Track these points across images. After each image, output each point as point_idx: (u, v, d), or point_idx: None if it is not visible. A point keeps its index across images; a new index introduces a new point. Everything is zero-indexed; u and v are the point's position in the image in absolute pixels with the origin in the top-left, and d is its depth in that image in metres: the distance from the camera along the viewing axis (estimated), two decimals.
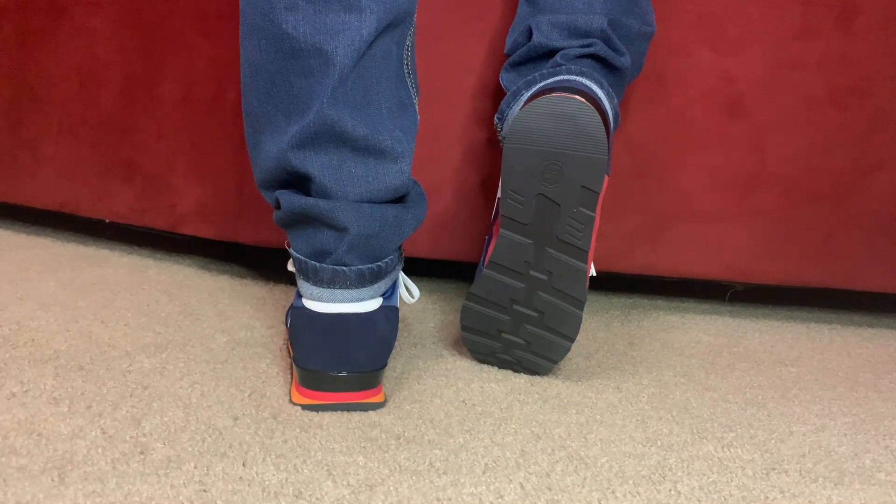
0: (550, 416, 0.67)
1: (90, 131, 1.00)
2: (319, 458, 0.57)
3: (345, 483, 0.54)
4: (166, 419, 0.60)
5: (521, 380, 0.74)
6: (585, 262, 0.69)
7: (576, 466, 0.59)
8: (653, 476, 0.58)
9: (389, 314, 0.67)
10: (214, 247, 1.07)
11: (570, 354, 0.81)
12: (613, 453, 0.61)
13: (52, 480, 0.51)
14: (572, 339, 0.72)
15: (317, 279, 0.65)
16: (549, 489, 0.55)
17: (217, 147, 0.92)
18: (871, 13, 0.87)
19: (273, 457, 0.56)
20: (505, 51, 0.82)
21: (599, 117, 0.66)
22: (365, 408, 0.66)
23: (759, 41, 0.87)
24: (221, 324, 0.82)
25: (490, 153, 0.89)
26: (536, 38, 0.77)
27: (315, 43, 0.60)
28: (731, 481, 0.58)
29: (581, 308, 0.70)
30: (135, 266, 1.00)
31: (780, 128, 0.90)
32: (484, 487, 0.55)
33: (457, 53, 0.87)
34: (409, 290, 0.74)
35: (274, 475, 0.54)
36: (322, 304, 0.65)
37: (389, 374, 0.73)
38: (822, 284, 0.95)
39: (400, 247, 0.70)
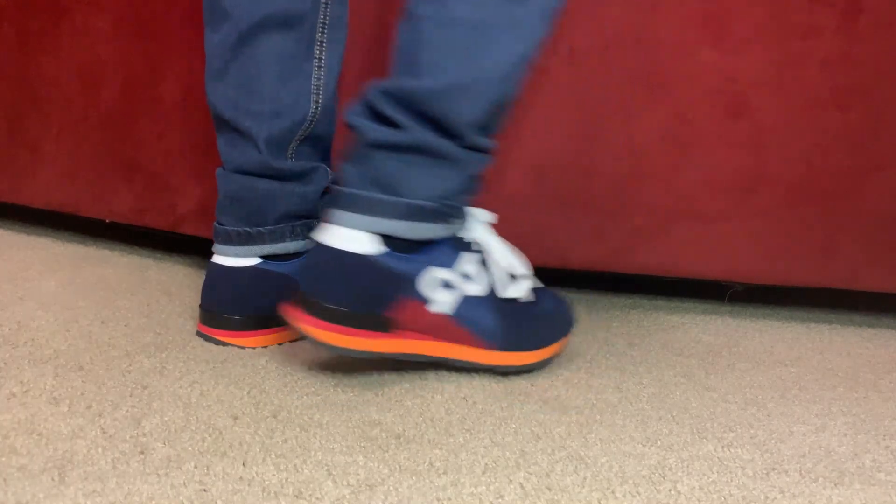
0: (550, 416, 0.67)
1: (90, 131, 1.00)
2: (319, 458, 0.57)
3: (345, 483, 0.54)
4: (166, 419, 0.60)
5: (522, 379, 0.74)
6: None
7: (576, 466, 0.59)
8: (653, 476, 0.58)
9: (258, 273, 0.76)
10: None
11: (570, 355, 0.81)
12: (613, 453, 0.61)
13: (52, 480, 0.51)
14: None
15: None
16: (549, 489, 0.55)
17: (217, 147, 0.92)
18: (876, 13, 0.86)
19: (273, 457, 0.56)
20: None
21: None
22: (218, 343, 0.76)
23: (763, 41, 0.87)
24: None
25: None
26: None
27: None
28: (731, 481, 0.58)
29: None
30: (135, 266, 1.00)
31: (783, 128, 0.90)
32: (484, 487, 0.55)
33: None
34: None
35: (274, 475, 0.54)
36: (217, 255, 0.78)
37: (391, 370, 0.73)
38: (822, 284, 0.95)
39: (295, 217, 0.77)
